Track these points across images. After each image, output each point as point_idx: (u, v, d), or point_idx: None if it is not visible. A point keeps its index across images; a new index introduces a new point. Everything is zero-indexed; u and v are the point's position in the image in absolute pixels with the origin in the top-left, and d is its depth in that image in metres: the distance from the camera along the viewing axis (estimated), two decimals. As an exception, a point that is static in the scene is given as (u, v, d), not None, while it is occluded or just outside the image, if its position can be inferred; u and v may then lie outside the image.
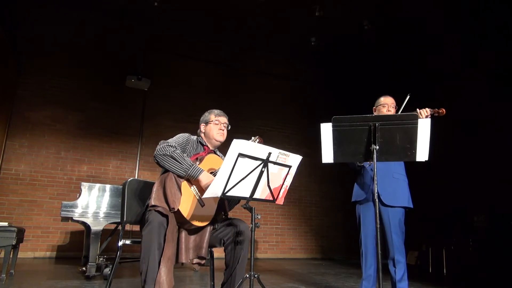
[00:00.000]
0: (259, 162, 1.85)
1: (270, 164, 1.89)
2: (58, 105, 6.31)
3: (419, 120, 1.93)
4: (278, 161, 1.92)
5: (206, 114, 2.46)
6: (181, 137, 2.29)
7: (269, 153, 1.85)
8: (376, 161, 1.98)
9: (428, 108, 2.53)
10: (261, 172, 1.87)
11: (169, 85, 7.19)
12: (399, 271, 2.44)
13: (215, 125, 2.39)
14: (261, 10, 6.16)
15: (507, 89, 5.57)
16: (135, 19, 6.85)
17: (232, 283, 2.07)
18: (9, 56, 5.68)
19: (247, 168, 1.83)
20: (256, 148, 1.81)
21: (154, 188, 2.04)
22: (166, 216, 1.90)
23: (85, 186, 3.85)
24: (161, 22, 6.93)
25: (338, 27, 6.67)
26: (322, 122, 2.09)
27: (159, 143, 2.11)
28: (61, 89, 6.39)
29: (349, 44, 7.24)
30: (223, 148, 2.20)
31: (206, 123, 2.42)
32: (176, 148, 2.12)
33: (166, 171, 2.09)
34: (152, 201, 1.96)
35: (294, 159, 2.00)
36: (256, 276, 1.90)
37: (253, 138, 2.31)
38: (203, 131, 2.43)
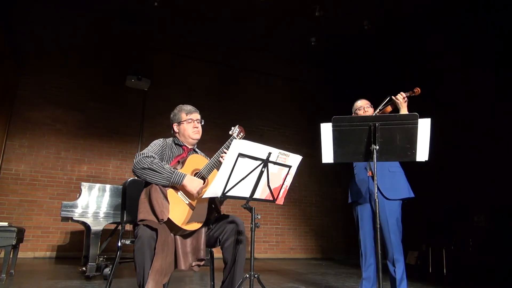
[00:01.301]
0: (259, 162, 1.84)
1: (270, 164, 1.89)
2: (58, 105, 6.31)
3: (419, 120, 1.93)
4: (278, 161, 1.92)
5: (176, 112, 2.35)
6: (155, 144, 2.20)
7: (269, 153, 1.85)
8: (376, 161, 1.98)
9: (403, 92, 2.55)
10: (261, 172, 1.87)
11: (169, 85, 7.19)
12: (399, 270, 2.44)
13: (189, 123, 2.29)
14: (261, 10, 6.16)
15: (508, 88, 5.57)
16: (135, 19, 6.85)
17: (232, 281, 2.05)
18: (9, 56, 5.68)
19: (247, 168, 1.83)
20: (256, 148, 1.81)
21: (140, 201, 1.99)
22: (156, 230, 1.85)
23: (85, 186, 3.85)
24: (161, 22, 6.93)
25: (338, 27, 6.68)
26: (322, 122, 2.09)
27: (135, 156, 2.04)
28: (61, 89, 6.40)
29: (349, 44, 7.25)
30: (217, 148, 2.18)
31: (179, 122, 2.31)
32: (154, 158, 2.04)
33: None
34: (140, 215, 1.92)
35: (294, 159, 2.00)
36: (256, 276, 1.89)
37: (233, 128, 2.28)
38: (177, 131, 2.33)
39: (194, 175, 2.14)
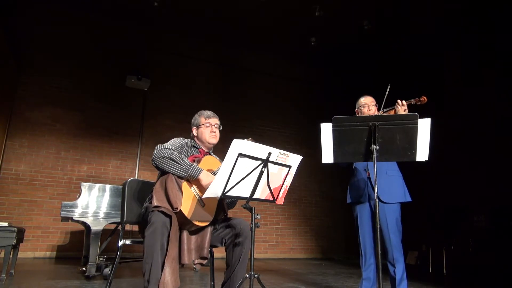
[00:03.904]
0: (259, 162, 1.84)
1: (270, 164, 1.89)
2: (58, 105, 6.31)
3: (419, 120, 1.93)
4: (278, 161, 1.92)
5: (196, 117, 2.43)
6: (176, 141, 2.29)
7: (269, 153, 1.85)
8: (376, 161, 1.98)
9: (406, 100, 2.53)
10: (261, 172, 1.87)
11: (169, 85, 7.20)
12: (399, 270, 2.43)
13: (207, 127, 2.36)
14: (261, 10, 6.16)
15: (508, 89, 5.57)
16: (135, 19, 6.84)
17: (232, 283, 2.07)
18: (9, 56, 5.68)
19: (247, 168, 1.82)
20: (256, 148, 1.81)
21: (155, 190, 2.03)
22: (169, 217, 1.90)
23: (85, 186, 3.85)
24: (161, 22, 6.93)
25: (338, 27, 6.67)
26: (322, 122, 2.09)
27: (156, 147, 2.11)
28: (61, 89, 6.40)
29: (349, 44, 7.24)
30: (218, 148, 2.20)
31: (198, 126, 2.39)
32: (173, 150, 2.11)
33: (164, 173, 2.09)
34: (155, 202, 1.96)
35: (294, 159, 2.00)
36: (256, 276, 1.90)
37: (245, 140, 2.31)
38: (195, 134, 2.41)
39: None
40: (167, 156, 2.04)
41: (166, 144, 2.18)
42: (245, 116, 7.56)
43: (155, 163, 2.08)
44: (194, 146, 2.37)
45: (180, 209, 1.95)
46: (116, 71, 6.77)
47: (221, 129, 2.43)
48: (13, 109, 6.01)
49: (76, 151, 6.31)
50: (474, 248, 5.52)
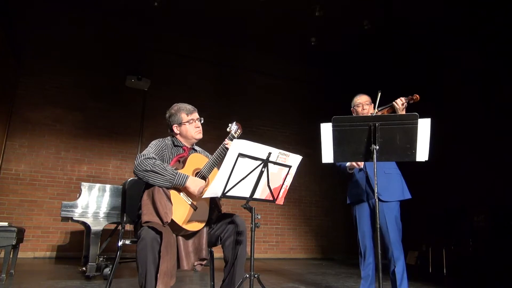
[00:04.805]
0: (259, 162, 1.85)
1: (270, 164, 1.89)
2: (58, 105, 6.31)
3: (419, 120, 1.93)
4: (278, 161, 1.92)
5: (175, 113, 2.29)
6: (155, 145, 2.17)
7: (269, 153, 1.85)
8: (376, 161, 1.98)
9: (403, 97, 2.53)
10: (261, 172, 1.87)
11: (169, 85, 7.19)
12: (399, 268, 2.41)
13: (191, 124, 2.26)
14: (261, 10, 6.16)
15: (508, 88, 5.57)
16: (135, 19, 6.84)
17: (232, 279, 2.05)
18: (9, 56, 5.68)
19: (247, 168, 1.83)
20: (256, 148, 1.81)
21: (143, 203, 1.98)
22: (160, 233, 1.84)
23: (85, 186, 3.85)
24: (161, 22, 6.93)
25: (338, 27, 6.68)
26: (322, 122, 2.09)
27: (136, 158, 2.02)
28: (61, 89, 6.40)
29: (349, 44, 7.24)
30: (217, 148, 2.18)
31: (180, 124, 2.27)
32: (156, 159, 2.02)
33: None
34: (144, 217, 1.91)
35: (294, 159, 2.00)
36: (256, 276, 1.89)
37: (230, 125, 2.28)
38: (178, 132, 2.29)
39: (195, 175, 2.13)
40: (149, 169, 1.95)
41: (146, 152, 2.06)
42: (245, 116, 7.55)
43: (138, 177, 2.01)
44: (176, 145, 2.28)
45: (172, 219, 1.91)
46: (116, 71, 6.76)
47: (202, 121, 2.33)
48: (13, 109, 6.01)
49: (76, 151, 6.31)
50: (474, 248, 5.52)
